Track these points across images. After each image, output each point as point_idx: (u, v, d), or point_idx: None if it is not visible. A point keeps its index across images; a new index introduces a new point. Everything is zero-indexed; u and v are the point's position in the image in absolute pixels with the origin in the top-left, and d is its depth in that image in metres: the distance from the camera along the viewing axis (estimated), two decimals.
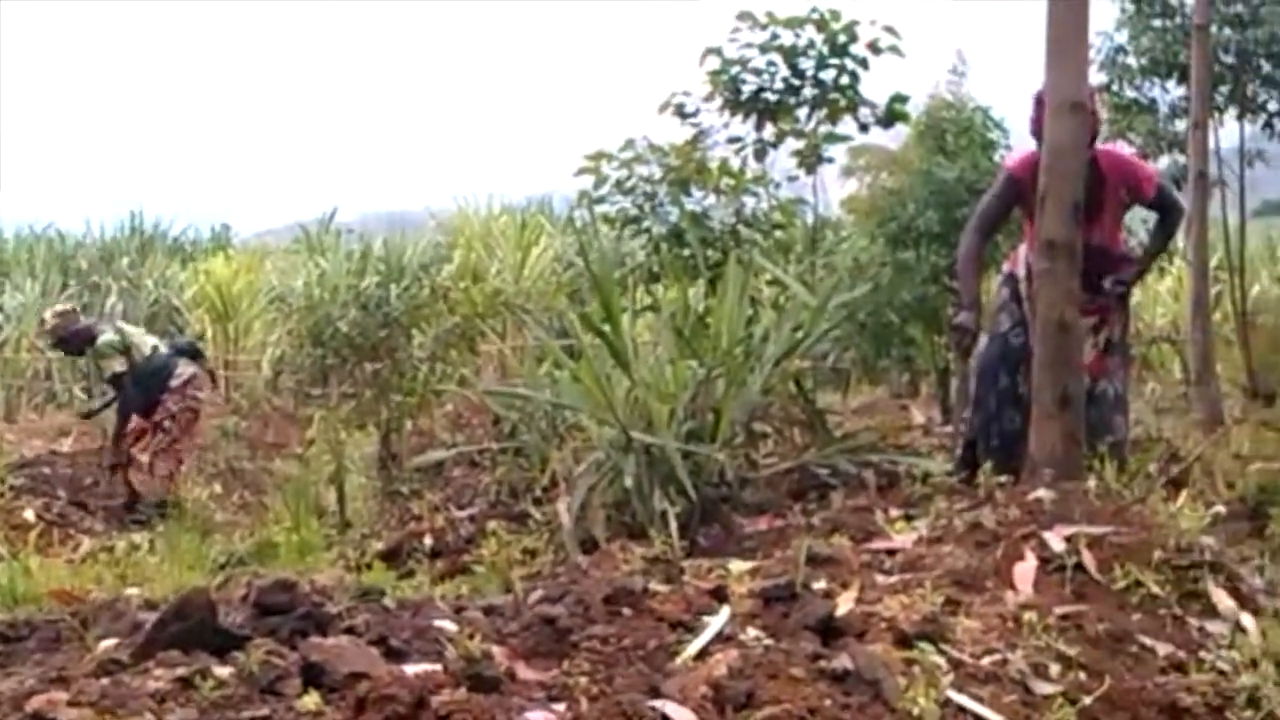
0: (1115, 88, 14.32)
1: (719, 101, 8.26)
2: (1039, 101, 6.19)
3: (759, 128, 8.28)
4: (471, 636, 2.99)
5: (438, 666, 2.92)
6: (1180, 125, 13.19)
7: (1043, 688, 3.46)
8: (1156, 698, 3.70)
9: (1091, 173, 5.95)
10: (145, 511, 8.92)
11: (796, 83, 8.18)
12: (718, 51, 8.19)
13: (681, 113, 8.32)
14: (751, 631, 3.30)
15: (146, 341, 9.91)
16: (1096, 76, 14.34)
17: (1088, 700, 3.41)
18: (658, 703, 2.81)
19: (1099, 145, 6.60)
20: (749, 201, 8.26)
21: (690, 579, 3.86)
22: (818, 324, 6.24)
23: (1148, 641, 4.08)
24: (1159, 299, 19.65)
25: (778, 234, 8.43)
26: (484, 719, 2.65)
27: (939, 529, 4.78)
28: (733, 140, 8.35)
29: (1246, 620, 4.49)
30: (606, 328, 5.71)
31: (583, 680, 2.97)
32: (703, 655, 3.19)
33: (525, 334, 10.75)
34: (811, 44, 8.15)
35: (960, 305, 6.55)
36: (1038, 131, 6.26)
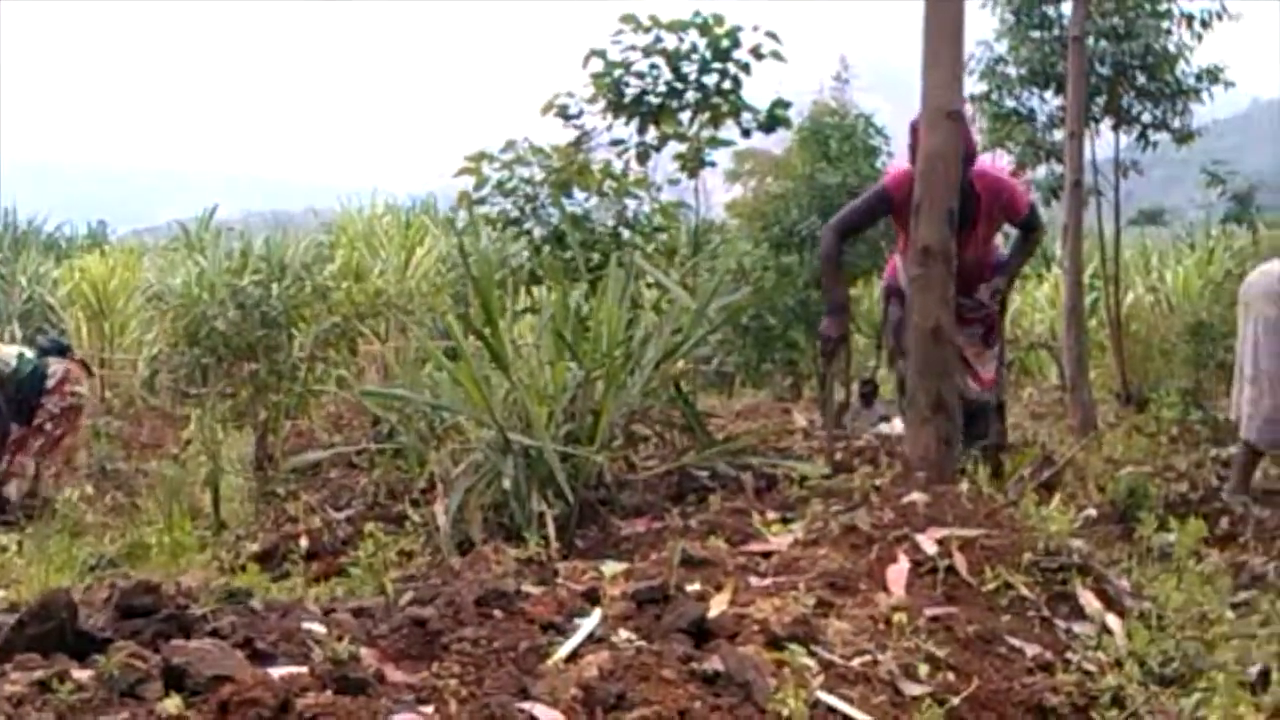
0: (995, 97, 14.52)
1: (602, 104, 8.25)
2: (914, 129, 6.29)
3: (642, 130, 8.29)
4: (340, 639, 2.96)
5: (304, 669, 2.89)
6: (1058, 135, 13.40)
7: (912, 689, 3.49)
8: (1023, 698, 3.75)
9: (967, 191, 6.03)
10: (14, 513, 8.74)
11: (679, 86, 8.19)
12: (601, 54, 8.19)
13: (564, 114, 8.30)
14: (623, 633, 3.30)
15: (9, 353, 9.69)
16: (977, 85, 14.56)
17: (955, 701, 3.45)
18: (527, 704, 2.81)
19: (979, 159, 6.71)
20: (631, 204, 8.26)
21: (563, 581, 3.86)
22: (698, 327, 6.26)
23: (1016, 643, 4.14)
24: (1036, 306, 19.96)
25: (660, 237, 8.44)
26: None
27: (815, 531, 4.81)
28: (615, 143, 8.35)
29: (1113, 622, 4.58)
30: (486, 329, 5.68)
31: (452, 682, 2.95)
32: (574, 657, 3.18)
33: (408, 335, 10.67)
34: (695, 48, 8.17)
35: (826, 312, 6.67)
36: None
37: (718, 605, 3.70)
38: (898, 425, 8.66)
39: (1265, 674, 4.42)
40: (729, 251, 11.30)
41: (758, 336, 11.82)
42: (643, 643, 3.26)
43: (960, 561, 4.56)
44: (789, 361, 13.22)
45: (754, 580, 4.16)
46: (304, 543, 6.05)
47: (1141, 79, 14.05)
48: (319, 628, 3.14)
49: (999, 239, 7.13)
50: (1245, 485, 8.00)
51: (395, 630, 3.26)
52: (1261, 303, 8.04)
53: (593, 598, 3.64)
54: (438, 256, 17.53)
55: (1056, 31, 13.64)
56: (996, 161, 7.21)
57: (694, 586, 3.90)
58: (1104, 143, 14.83)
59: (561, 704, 2.86)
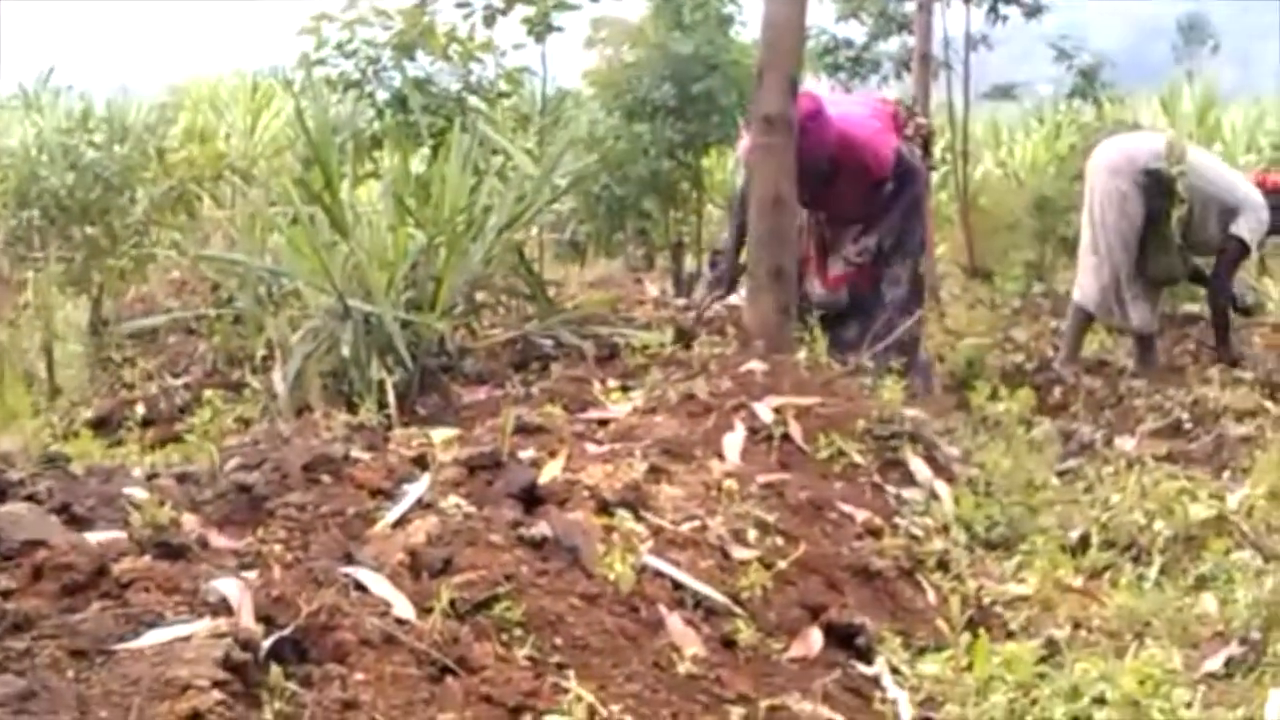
0: None
1: None
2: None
3: None
4: (161, 504, 2.92)
5: (122, 534, 2.85)
6: (909, 7, 13.39)
7: (740, 552, 3.55)
8: (850, 561, 3.84)
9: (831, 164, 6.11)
10: None
11: None
12: None
13: None
14: (453, 499, 3.30)
15: None
16: None
17: (783, 564, 3.50)
18: (352, 569, 2.80)
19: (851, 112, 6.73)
20: (476, 69, 8.12)
21: (394, 447, 3.84)
22: (541, 194, 6.21)
23: (846, 508, 4.22)
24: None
25: (505, 103, 8.34)
26: (168, 587, 2.60)
27: (653, 399, 4.85)
28: (461, 5, 8.17)
29: (941, 488, 4.70)
30: (325, 194, 5.59)
31: (276, 547, 2.94)
32: (401, 523, 3.18)
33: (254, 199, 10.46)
34: None
35: None
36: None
37: (550, 472, 3.71)
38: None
39: (1085, 538, 4.57)
40: (576, 119, 11.16)
41: (610, 206, 11.71)
42: (472, 508, 3.26)
43: (795, 429, 4.63)
44: (641, 231, 13.15)
45: (590, 447, 4.18)
46: (140, 409, 5.94)
47: None
48: (140, 493, 3.09)
49: None
50: (1075, 354, 8.19)
51: (220, 496, 3.23)
52: (1103, 175, 8.18)
53: (423, 464, 3.63)
54: (286, 120, 17.19)
55: None
56: (818, 87, 7.19)
57: (528, 453, 3.91)
58: (957, 16, 14.87)
59: (387, 569, 2.86)
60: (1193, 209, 7.95)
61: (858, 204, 6.80)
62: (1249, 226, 7.89)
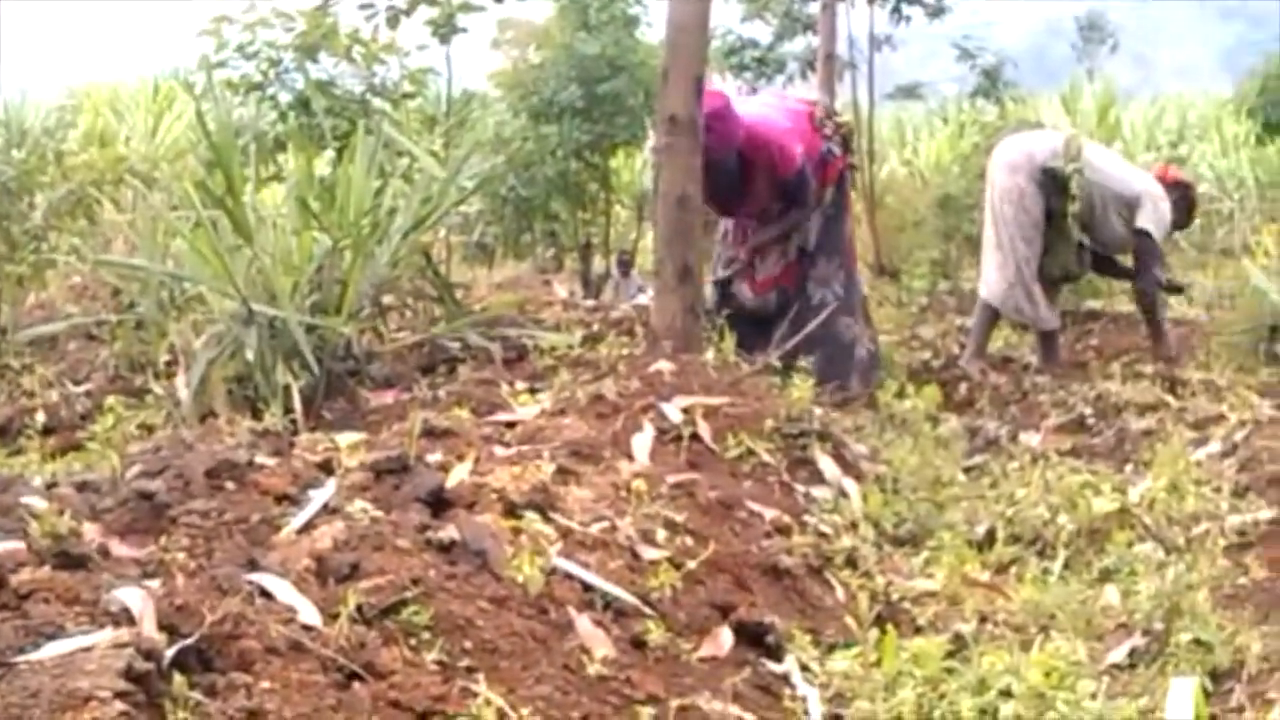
0: None
1: None
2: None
3: None
4: (61, 513, 2.87)
5: (21, 545, 2.80)
6: (814, 8, 13.48)
7: (649, 553, 3.54)
8: (759, 560, 3.85)
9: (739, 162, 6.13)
10: None
11: None
12: None
13: None
14: (359, 504, 3.26)
15: None
16: None
17: (692, 564, 3.51)
18: (256, 576, 2.76)
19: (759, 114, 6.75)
20: (380, 70, 8.07)
21: (299, 452, 3.81)
22: (447, 196, 6.19)
23: (756, 507, 4.24)
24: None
25: (410, 104, 8.30)
26: (68, 597, 2.55)
27: (561, 401, 4.84)
28: (364, 6, 8.11)
29: (849, 486, 4.73)
30: (227, 197, 5.53)
31: (179, 555, 2.90)
32: (307, 528, 3.14)
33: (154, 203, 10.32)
34: None
35: None
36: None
37: (457, 475, 3.70)
38: None
39: (991, 533, 4.62)
40: (482, 120, 11.14)
41: (517, 207, 11.72)
42: (379, 513, 3.23)
43: (704, 429, 4.65)
44: (550, 233, 13.16)
45: (498, 450, 4.16)
46: (40, 417, 5.85)
47: None
48: (39, 502, 3.03)
49: None
50: (982, 351, 8.26)
51: (121, 504, 3.17)
52: (1002, 172, 8.27)
53: (329, 469, 3.60)
54: (188, 124, 16.99)
55: None
56: (725, 86, 7.25)
57: (435, 457, 3.89)
58: (862, 17, 15.00)
59: (293, 575, 2.83)
60: (1093, 205, 8.04)
61: (771, 203, 6.83)
62: (1150, 218, 7.99)
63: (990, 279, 8.27)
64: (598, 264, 12.35)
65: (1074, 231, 8.05)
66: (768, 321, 6.89)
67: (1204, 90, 26.45)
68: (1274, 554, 4.14)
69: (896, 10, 14.76)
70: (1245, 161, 21.31)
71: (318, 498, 3.28)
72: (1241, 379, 6.62)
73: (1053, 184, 8.00)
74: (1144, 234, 8.00)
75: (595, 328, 6.69)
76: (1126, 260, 8.46)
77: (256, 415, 4.76)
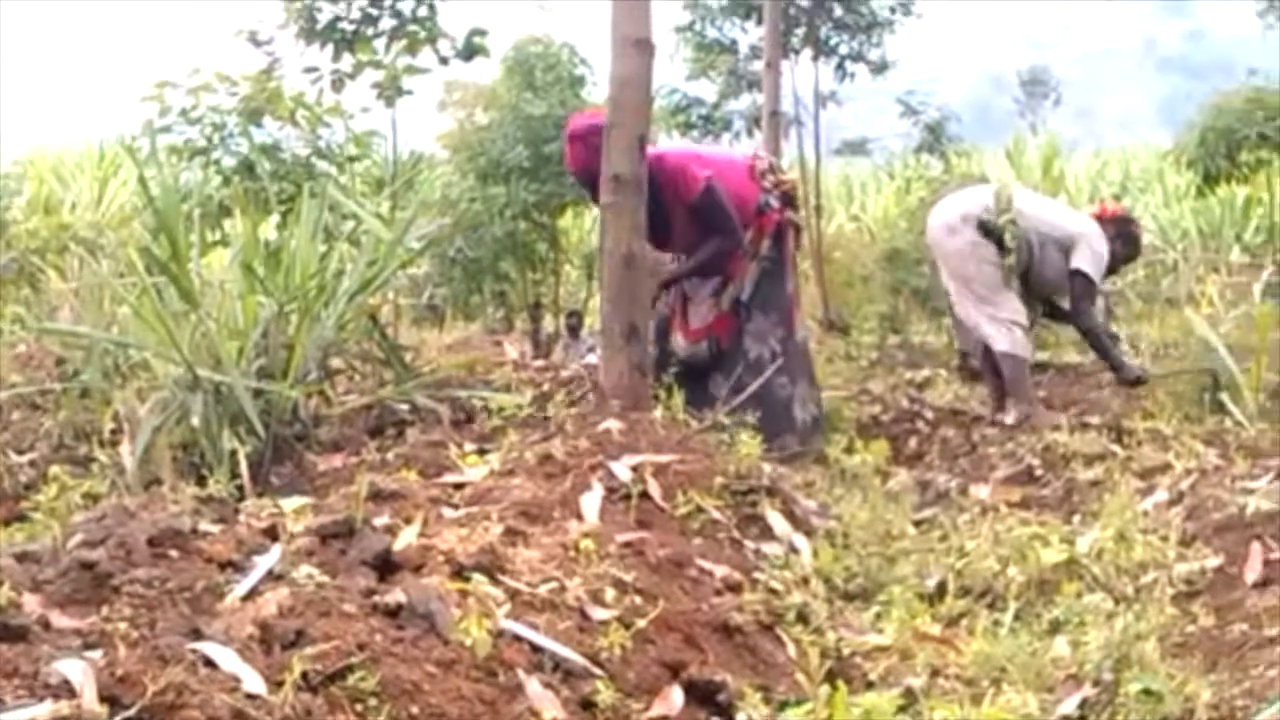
0: (697, 27, 14.70)
1: (294, 29, 8.04)
2: (572, 138, 6.39)
3: (336, 58, 8.11)
4: (1, 584, 2.83)
5: None
6: (759, 65, 13.61)
7: (599, 613, 3.52)
8: (710, 618, 3.83)
9: (654, 189, 6.14)
10: None
11: (374, 13, 8.04)
12: None
13: (254, 40, 8.06)
14: (305, 569, 3.23)
15: None
16: (680, 16, 14.73)
17: (642, 623, 3.49)
18: (200, 644, 2.73)
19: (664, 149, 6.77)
20: (325, 133, 8.08)
21: (244, 518, 3.77)
22: (393, 258, 6.18)
23: (706, 564, 4.22)
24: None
25: (356, 167, 8.31)
26: (7, 670, 2.51)
27: (510, 461, 4.82)
28: (308, 70, 8.15)
29: (800, 541, 4.72)
30: (172, 263, 5.50)
31: (122, 625, 2.85)
32: (252, 595, 3.11)
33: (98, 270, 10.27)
34: None
35: None
36: (576, 169, 6.52)
37: (405, 538, 3.67)
38: None
39: (942, 586, 4.62)
40: (428, 182, 11.17)
41: (466, 269, 11.75)
42: (325, 578, 3.20)
43: (654, 487, 4.63)
44: (499, 294, 13.18)
45: (446, 512, 4.14)
46: None
47: (839, 10, 14.40)
48: None
49: None
50: (1034, 398, 8.19)
51: (62, 574, 3.13)
52: (943, 237, 8.30)
53: (274, 534, 3.57)
54: (134, 189, 16.90)
55: None
56: (734, 158, 7.34)
57: (383, 520, 3.86)
58: (807, 74, 15.16)
59: (236, 643, 2.79)
60: (1032, 252, 8.08)
61: (691, 233, 6.83)
62: (1085, 258, 8.02)
63: (996, 334, 8.19)
64: (548, 324, 12.37)
65: (1014, 283, 8.09)
66: (704, 374, 6.89)
67: (1145, 142, 26.82)
68: (1221, 602, 4.15)
69: (841, 67, 14.95)
70: (1188, 212, 21.59)
71: (262, 564, 3.25)
72: (1187, 428, 6.66)
73: (990, 237, 8.04)
74: (1079, 274, 8.03)
75: (545, 388, 6.68)
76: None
77: (202, 482, 4.72)
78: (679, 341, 7.04)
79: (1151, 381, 8.48)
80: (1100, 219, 8.33)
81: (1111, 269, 8.75)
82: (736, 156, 7.30)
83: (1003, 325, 8.09)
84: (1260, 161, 8.92)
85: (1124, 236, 8.31)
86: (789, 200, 7.31)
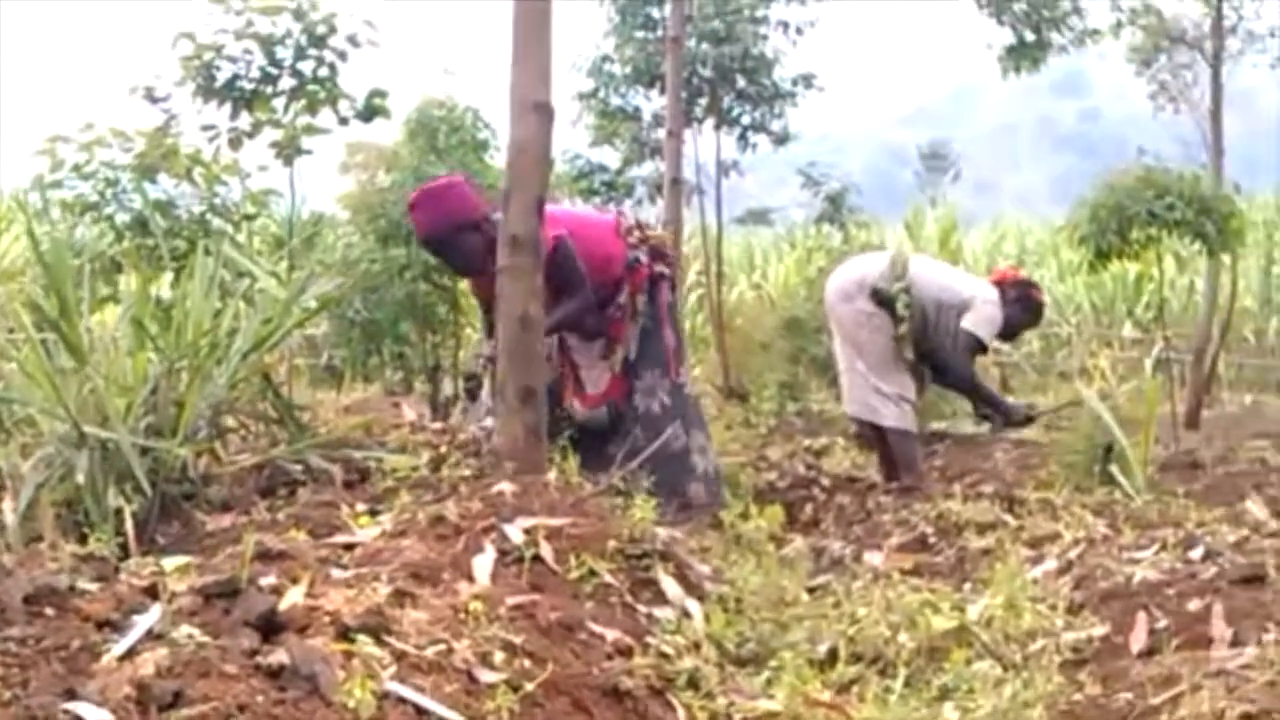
0: (601, 95, 14.82)
1: (191, 87, 7.97)
2: (414, 207, 6.43)
3: (234, 116, 8.05)
4: None
5: None
6: (662, 133, 13.73)
7: (487, 676, 3.49)
8: (599, 682, 3.80)
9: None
10: None
11: (274, 72, 7.99)
12: (190, 36, 7.90)
13: (151, 97, 7.98)
14: (186, 629, 3.17)
15: None
16: (584, 83, 14.82)
17: (530, 687, 3.46)
18: (74, 705, 2.67)
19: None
20: (221, 191, 8.01)
21: (125, 577, 3.70)
22: (289, 317, 6.12)
23: (597, 628, 4.20)
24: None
25: (253, 225, 8.25)
26: None
27: (402, 523, 4.77)
28: (206, 128, 8.08)
29: (692, 606, 4.71)
30: (60, 319, 5.41)
31: None
32: (130, 655, 3.04)
33: None
34: (289, 33, 7.99)
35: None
36: (423, 236, 6.52)
37: (291, 598, 3.61)
38: None
39: (834, 652, 4.63)
40: (327, 242, 11.10)
41: (366, 330, 11.65)
42: (206, 638, 3.14)
43: (546, 550, 4.60)
44: (398, 355, 13.08)
45: (335, 573, 4.08)
46: None
47: (741, 82, 14.56)
48: None
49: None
50: (918, 466, 8.29)
51: None
52: (839, 304, 8.40)
53: (155, 593, 3.50)
54: (25, 245, 16.62)
55: (660, 32, 13.99)
56: (599, 217, 7.37)
57: (269, 580, 3.80)
58: (710, 143, 15.32)
59: (112, 703, 2.73)
60: (927, 317, 8.18)
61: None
62: (974, 321, 8.13)
63: (883, 409, 8.28)
64: (447, 386, 12.29)
65: (908, 350, 8.18)
66: (602, 437, 6.90)
67: (1041, 217, 27.30)
68: (1107, 670, 4.19)
69: (743, 137, 15.12)
70: (1081, 287, 21.97)
71: (142, 623, 3.19)
72: (1078, 498, 6.75)
73: (883, 306, 8.13)
74: (966, 333, 8.14)
75: (442, 450, 6.63)
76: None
77: (86, 540, 4.62)
78: (576, 407, 7.04)
79: (1043, 449, 8.60)
80: (1000, 284, 8.45)
81: (1011, 334, 8.88)
82: (598, 216, 7.34)
83: (889, 400, 8.18)
84: (1150, 239, 9.05)
85: (1023, 301, 8.42)
86: (658, 254, 7.32)
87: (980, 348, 8.33)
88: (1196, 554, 5.13)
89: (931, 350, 8.29)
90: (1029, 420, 8.61)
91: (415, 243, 10.88)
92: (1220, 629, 4.18)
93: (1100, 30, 14.23)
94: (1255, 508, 6.15)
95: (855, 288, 8.32)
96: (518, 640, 3.73)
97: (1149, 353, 18.29)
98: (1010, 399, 9.39)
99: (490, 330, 6.99)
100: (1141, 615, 4.51)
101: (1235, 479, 7.65)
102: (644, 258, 7.16)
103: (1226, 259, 12.50)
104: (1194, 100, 14.91)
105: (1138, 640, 4.37)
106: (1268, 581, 4.56)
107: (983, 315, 8.16)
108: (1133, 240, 9.08)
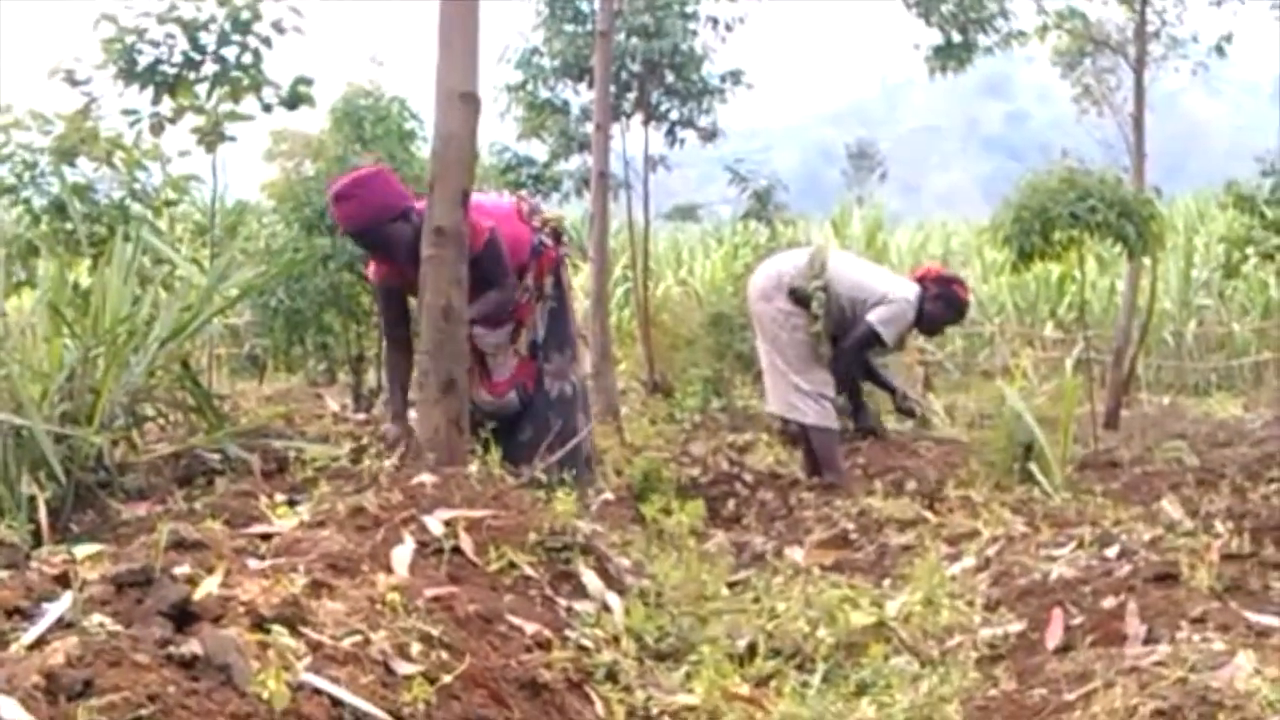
0: (530, 88, 14.79)
1: (113, 70, 7.87)
2: (339, 198, 6.35)
3: (156, 101, 7.95)
4: None
5: None
6: (590, 127, 13.72)
7: (404, 667, 3.46)
8: (518, 674, 3.78)
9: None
10: None
11: (197, 57, 7.90)
12: (113, 19, 7.79)
13: (71, 80, 7.87)
14: (97, 618, 3.12)
15: None
16: (513, 75, 14.79)
17: (447, 678, 3.44)
18: None
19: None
20: (142, 176, 7.91)
21: (36, 564, 3.64)
22: (208, 304, 6.06)
23: (516, 621, 4.18)
24: (574, 295, 20.39)
25: (174, 211, 8.17)
26: None
27: (321, 513, 4.73)
28: (128, 112, 7.97)
29: (612, 599, 4.70)
30: None
31: None
32: (40, 644, 2.99)
33: None
34: (213, 18, 7.90)
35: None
36: (350, 226, 6.49)
37: (205, 588, 3.57)
38: None
39: (753, 646, 4.63)
40: (248, 231, 11.01)
41: (289, 319, 11.55)
42: (118, 627, 3.09)
43: (466, 542, 4.58)
44: (322, 345, 12.99)
45: (251, 563, 4.04)
46: None
47: (670, 77, 14.57)
48: None
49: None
50: (839, 463, 8.35)
51: None
52: (759, 302, 8.46)
53: (66, 581, 3.44)
54: None
55: (589, 26, 13.96)
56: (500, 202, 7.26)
57: (184, 569, 3.75)
58: (638, 138, 15.32)
59: (20, 692, 2.68)
60: (845, 313, 8.24)
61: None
62: (880, 317, 8.19)
63: (803, 406, 8.34)
64: (370, 378, 12.22)
65: (825, 347, 8.24)
66: (513, 422, 6.86)
67: (965, 218, 27.55)
68: (1022, 666, 4.22)
69: (671, 133, 15.13)
70: (1004, 287, 22.18)
71: (52, 611, 3.13)
72: (997, 496, 6.81)
73: (800, 304, 8.18)
74: (867, 325, 8.20)
75: (364, 441, 6.59)
76: (886, 369, 8.73)
77: None
78: (483, 396, 6.94)
79: (965, 447, 8.68)
80: (923, 280, 8.51)
81: (933, 330, 8.95)
82: (504, 201, 7.28)
83: (810, 398, 8.24)
84: (1072, 240, 9.15)
85: (945, 297, 8.46)
86: (558, 237, 7.30)
87: (877, 342, 8.35)
88: (1112, 552, 5.18)
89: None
90: (910, 413, 8.74)
91: (339, 230, 10.86)
92: (1134, 626, 4.22)
93: (1026, 33, 14.36)
94: (1170, 507, 6.22)
95: (773, 287, 8.37)
96: (435, 632, 3.70)
97: (1070, 353, 18.51)
98: (909, 394, 9.47)
99: (393, 323, 6.95)
100: (1057, 612, 4.55)
101: (1152, 479, 7.76)
102: (548, 240, 7.13)
103: (1147, 261, 12.65)
104: (1117, 104, 15.10)
105: (1053, 637, 4.41)
106: (1181, 580, 4.60)
107: (890, 312, 8.22)
108: (1055, 241, 9.18)
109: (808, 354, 8.26)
